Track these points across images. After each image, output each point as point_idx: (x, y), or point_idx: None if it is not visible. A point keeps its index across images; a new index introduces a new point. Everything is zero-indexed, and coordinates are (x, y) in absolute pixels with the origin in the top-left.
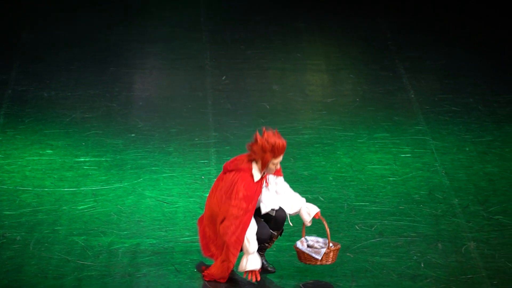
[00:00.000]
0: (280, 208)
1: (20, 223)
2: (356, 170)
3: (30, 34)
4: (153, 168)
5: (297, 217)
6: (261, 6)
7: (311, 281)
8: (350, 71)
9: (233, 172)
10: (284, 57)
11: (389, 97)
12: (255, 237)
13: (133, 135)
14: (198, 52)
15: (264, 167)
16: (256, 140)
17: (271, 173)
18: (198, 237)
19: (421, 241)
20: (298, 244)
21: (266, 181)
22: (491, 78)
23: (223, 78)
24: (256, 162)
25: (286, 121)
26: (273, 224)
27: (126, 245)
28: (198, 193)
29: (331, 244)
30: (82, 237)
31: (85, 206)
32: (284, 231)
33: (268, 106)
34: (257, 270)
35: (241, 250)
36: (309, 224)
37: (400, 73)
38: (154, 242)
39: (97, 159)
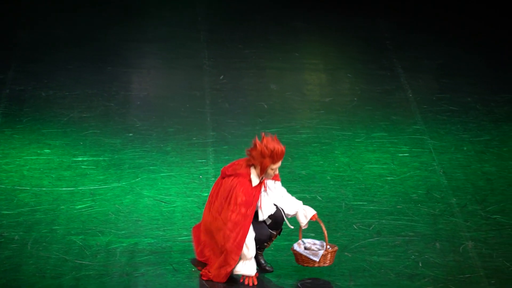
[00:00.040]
0: (279, 208)
1: (18, 222)
2: (354, 169)
3: (28, 33)
4: (151, 167)
5: (294, 219)
6: (259, 6)
7: (309, 280)
8: (348, 70)
9: (232, 177)
10: (282, 57)
11: (387, 97)
12: (254, 243)
13: (131, 134)
14: (196, 52)
15: (263, 173)
16: (255, 146)
17: (270, 178)
18: (192, 243)
19: (419, 241)
20: (295, 246)
21: (264, 186)
22: (489, 77)
23: (221, 77)
24: (255, 167)
25: (284, 120)
26: (272, 224)
27: (124, 244)
28: (196, 193)
29: (328, 246)
30: (80, 237)
31: (83, 206)
32: (282, 230)
33: (266, 106)
34: (253, 276)
35: None
36: (305, 227)
37: (398, 73)
38: (152, 241)
39: (95, 158)
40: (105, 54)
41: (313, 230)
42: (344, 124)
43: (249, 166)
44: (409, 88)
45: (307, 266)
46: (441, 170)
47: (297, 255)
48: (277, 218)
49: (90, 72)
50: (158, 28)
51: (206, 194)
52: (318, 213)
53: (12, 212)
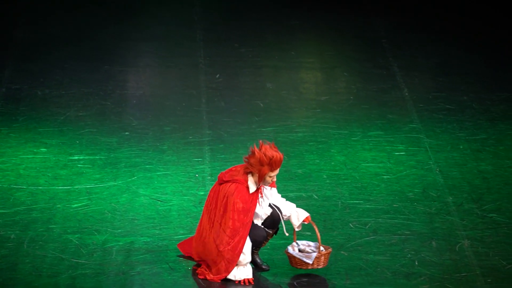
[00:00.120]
0: (276, 208)
1: (14, 221)
2: (350, 168)
3: (24, 32)
4: (147, 166)
5: (290, 225)
6: (255, 4)
7: (305, 279)
8: (344, 69)
9: (229, 183)
10: (278, 55)
11: (383, 95)
12: (250, 251)
13: (127, 133)
14: (192, 50)
15: (261, 180)
16: (253, 153)
17: (267, 185)
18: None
19: (415, 239)
20: (289, 249)
21: (261, 193)
22: (485, 76)
23: (217, 76)
24: (252, 175)
25: (280, 119)
26: (269, 223)
27: (120, 243)
28: (192, 191)
29: (322, 248)
30: (76, 235)
31: (79, 204)
32: (279, 229)
33: (262, 104)
34: (249, 278)
35: None
36: (299, 229)
37: (394, 71)
38: (148, 240)
39: (91, 157)
40: (101, 53)
41: (309, 228)
42: (340, 122)
43: (246, 173)
44: (405, 86)
45: (300, 268)
46: (437, 169)
47: (291, 257)
48: (274, 217)
49: (86, 71)
50: (154, 27)
51: (202, 193)
52: (314, 212)
53: (8, 211)
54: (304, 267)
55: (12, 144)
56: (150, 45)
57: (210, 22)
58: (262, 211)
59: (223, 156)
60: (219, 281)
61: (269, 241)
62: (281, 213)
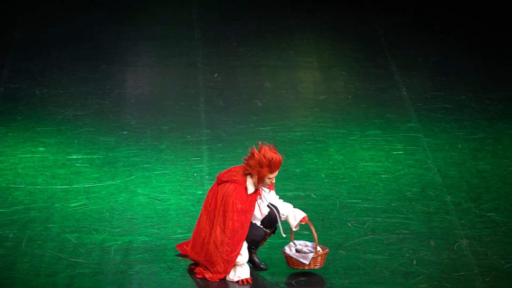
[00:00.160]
0: (274, 207)
1: (12, 220)
2: (348, 167)
3: (23, 32)
4: (145, 165)
5: (286, 227)
6: (254, 4)
7: (303, 278)
8: (342, 68)
9: (228, 184)
10: (276, 55)
11: (381, 94)
12: (247, 251)
13: (125, 132)
14: (190, 50)
15: (260, 182)
16: (252, 155)
17: (266, 187)
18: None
19: (414, 238)
20: (286, 249)
21: (259, 195)
22: (483, 75)
23: (215, 75)
24: (251, 176)
25: (278, 118)
26: (267, 223)
27: (119, 242)
28: (190, 190)
29: (319, 249)
30: (75, 235)
31: (78, 204)
32: (277, 229)
33: (260, 104)
34: (248, 278)
35: None
36: (295, 229)
37: (392, 71)
38: (147, 239)
39: (89, 156)
40: (99, 52)
41: (307, 228)
42: (339, 122)
43: (245, 174)
44: (404, 86)
45: (297, 268)
46: (436, 168)
47: (287, 258)
48: (272, 217)
49: (85, 70)
50: (153, 26)
51: (200, 192)
52: (312, 211)
53: (6, 210)
54: (301, 268)
55: (11, 143)
56: (149, 44)
57: (208, 22)
58: (261, 213)
59: (221, 155)
60: (218, 280)
61: (267, 240)
62: (278, 213)
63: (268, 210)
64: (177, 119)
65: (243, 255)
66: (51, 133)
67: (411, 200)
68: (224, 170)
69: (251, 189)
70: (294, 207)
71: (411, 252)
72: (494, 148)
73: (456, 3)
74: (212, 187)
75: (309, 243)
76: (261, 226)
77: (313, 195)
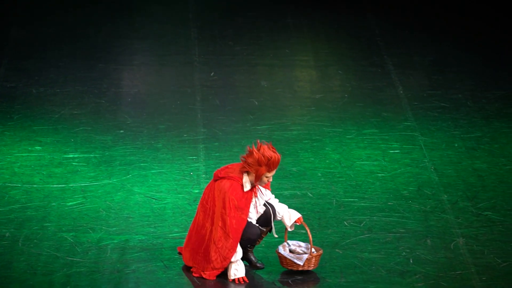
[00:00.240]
0: (269, 205)
1: (9, 219)
2: (344, 166)
3: (19, 31)
4: (141, 164)
5: (279, 228)
6: (250, 2)
7: (299, 277)
8: (338, 67)
9: (224, 180)
10: (272, 53)
11: (377, 93)
12: (241, 248)
13: (121, 131)
14: (187, 49)
15: (257, 180)
16: (251, 153)
17: (262, 185)
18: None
19: (410, 237)
20: (280, 249)
21: (255, 193)
22: (479, 74)
23: (211, 74)
24: (248, 174)
25: (275, 117)
26: (262, 221)
27: (115, 241)
28: (187, 189)
29: (313, 250)
30: (71, 234)
31: (74, 203)
32: (274, 227)
33: (256, 102)
34: (243, 276)
35: None
36: (290, 229)
37: (389, 69)
38: (143, 238)
39: (86, 155)
40: (96, 51)
41: (303, 227)
42: (335, 120)
43: (242, 172)
44: (400, 84)
45: (291, 269)
46: (432, 167)
47: (281, 258)
48: (267, 215)
49: (81, 69)
50: (149, 25)
51: (197, 191)
52: (309, 210)
53: (3, 209)
54: (295, 268)
55: (7, 142)
56: (145, 43)
57: (204, 20)
58: (256, 211)
59: (217, 154)
60: (214, 278)
61: (263, 239)
62: (274, 212)
63: (264, 208)
64: (173, 118)
65: (238, 252)
66: (48, 132)
67: (407, 199)
68: (221, 167)
69: (247, 186)
70: (290, 206)
71: (408, 251)
72: (490, 147)
73: (453, 2)
74: (208, 185)
75: (302, 244)
76: (257, 225)
77: (309, 194)
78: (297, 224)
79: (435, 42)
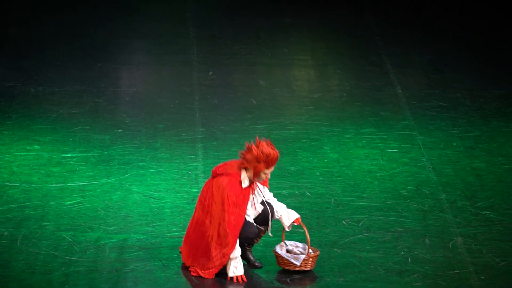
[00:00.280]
0: (268, 204)
1: (7, 218)
2: (343, 165)
3: (18, 30)
4: (140, 163)
5: (276, 227)
6: (248, 2)
7: (298, 276)
8: (337, 66)
9: (222, 176)
10: (271, 53)
11: (376, 92)
12: (239, 245)
13: (120, 130)
14: (185, 48)
15: (255, 176)
16: (250, 149)
17: (260, 182)
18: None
19: (409, 236)
20: (277, 248)
21: (253, 190)
22: (478, 73)
23: (210, 73)
24: (247, 170)
25: (273, 116)
26: (260, 220)
27: (114, 240)
28: (185, 189)
29: (310, 250)
30: (70, 233)
31: (72, 202)
32: (272, 226)
33: (255, 102)
34: (242, 274)
35: None
36: (288, 229)
37: (387, 69)
38: (141, 237)
39: (84, 154)
40: (94, 50)
41: (301, 227)
42: (333, 120)
43: (240, 168)
44: (398, 84)
45: (287, 269)
46: (431, 166)
47: (278, 257)
48: (265, 214)
49: (79, 68)
50: (148, 24)
51: (195, 190)
52: (307, 209)
53: (1, 208)
54: (291, 268)
55: (5, 142)
56: (143, 42)
57: (203, 20)
58: (254, 208)
59: (216, 153)
60: (213, 276)
61: (262, 238)
62: (272, 210)
63: (262, 207)
64: (172, 117)
65: (236, 249)
66: (46, 131)
67: (406, 198)
68: (219, 164)
69: (245, 183)
70: (288, 205)
71: (406, 250)
72: (489, 146)
73: (452, 2)
74: (207, 182)
75: (299, 244)
76: (255, 224)
77: (308, 193)
78: (295, 224)
79: (434, 41)
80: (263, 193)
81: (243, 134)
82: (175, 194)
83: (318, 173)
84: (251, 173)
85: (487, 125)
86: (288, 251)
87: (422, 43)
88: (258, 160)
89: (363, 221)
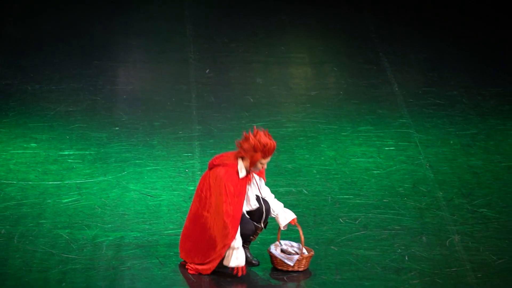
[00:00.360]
0: (265, 201)
1: (4, 216)
2: (340, 163)
3: (14, 28)
4: (137, 161)
5: (272, 221)
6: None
7: (295, 274)
8: (333, 64)
9: (219, 167)
10: (267, 50)
11: (373, 90)
12: (240, 235)
13: (117, 128)
14: (182, 45)
15: (252, 166)
16: (247, 139)
17: (257, 172)
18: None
19: (406, 234)
20: (272, 248)
21: (249, 180)
22: (475, 71)
23: (206, 71)
24: (243, 160)
25: (270, 114)
26: (257, 216)
27: (110, 238)
28: (182, 186)
29: (304, 251)
30: (67, 231)
31: (69, 200)
32: (268, 223)
33: (251, 99)
34: (243, 265)
35: None
36: (284, 229)
37: (384, 66)
38: (138, 235)
39: (81, 152)
40: (91, 48)
41: (299, 223)
42: (330, 117)
43: (237, 157)
44: (395, 81)
45: (281, 269)
46: (428, 164)
47: (272, 257)
48: (262, 211)
49: (76, 66)
50: (144, 22)
51: (192, 188)
52: (304, 207)
53: None
54: (285, 268)
55: (2, 139)
56: (140, 40)
57: (200, 17)
58: (252, 199)
59: (213, 151)
60: (210, 272)
61: (259, 236)
62: (268, 208)
63: (257, 204)
64: (168, 115)
65: (237, 239)
66: (43, 129)
67: (403, 196)
68: (216, 155)
69: (243, 172)
70: (285, 203)
71: (403, 248)
72: (486, 144)
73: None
74: (203, 174)
75: (294, 244)
76: (252, 221)
77: (304, 191)
78: (291, 224)
79: (431, 39)
80: (260, 187)
81: (240, 132)
82: (172, 192)
83: (315, 171)
84: (247, 162)
85: (484, 123)
86: (282, 250)
87: (419, 41)
88: (255, 149)
89: (360, 219)
